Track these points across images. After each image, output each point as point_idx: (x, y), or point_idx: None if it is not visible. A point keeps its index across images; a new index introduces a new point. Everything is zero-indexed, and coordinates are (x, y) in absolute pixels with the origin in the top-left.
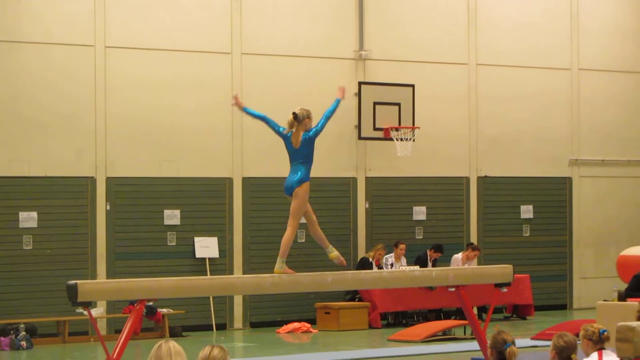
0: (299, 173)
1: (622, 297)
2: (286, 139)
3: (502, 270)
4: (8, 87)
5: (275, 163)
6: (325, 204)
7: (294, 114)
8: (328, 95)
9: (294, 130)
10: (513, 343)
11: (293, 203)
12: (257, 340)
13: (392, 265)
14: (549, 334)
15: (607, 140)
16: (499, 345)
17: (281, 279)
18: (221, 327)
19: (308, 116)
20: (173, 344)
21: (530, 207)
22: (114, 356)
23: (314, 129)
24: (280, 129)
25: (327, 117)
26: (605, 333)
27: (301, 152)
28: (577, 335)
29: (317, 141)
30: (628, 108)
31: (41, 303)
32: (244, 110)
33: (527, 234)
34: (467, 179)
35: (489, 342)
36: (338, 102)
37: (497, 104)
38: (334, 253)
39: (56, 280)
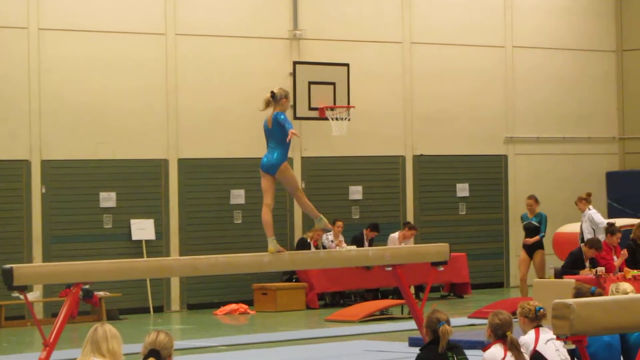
0: (275, 154)
1: (559, 274)
2: (265, 124)
3: (438, 249)
4: None
5: (211, 144)
6: (259, 184)
7: (272, 92)
8: (263, 75)
9: (270, 108)
10: (447, 322)
11: (287, 185)
12: (194, 322)
13: (332, 241)
14: (485, 312)
15: (542, 118)
16: (433, 324)
17: (217, 260)
18: (158, 309)
19: (286, 96)
20: (109, 327)
21: (466, 185)
22: (51, 340)
23: (280, 116)
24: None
25: (285, 123)
26: (542, 310)
27: (274, 133)
28: (514, 313)
29: (252, 120)
30: (563, 85)
31: None
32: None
33: (463, 213)
34: (403, 157)
35: (424, 321)
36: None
37: (431, 82)
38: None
39: None
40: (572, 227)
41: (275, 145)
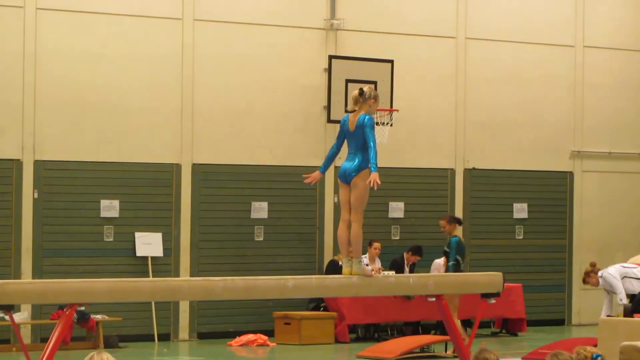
0: (356, 160)
1: (629, 312)
2: (344, 123)
3: (490, 279)
4: None
5: (231, 148)
6: (286, 196)
7: (360, 89)
8: (294, 70)
9: (356, 109)
10: None
11: (352, 195)
12: (205, 353)
13: (367, 265)
14: (542, 353)
15: (615, 130)
16: None
17: (234, 283)
18: (164, 337)
19: (375, 97)
20: (107, 356)
21: (525, 205)
22: None
23: (368, 124)
24: (343, 122)
25: (373, 149)
26: (599, 358)
27: (356, 137)
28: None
29: (279, 122)
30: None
31: None
32: (321, 172)
33: (521, 237)
34: (452, 171)
35: None
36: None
37: (488, 85)
38: (349, 269)
39: None
40: None
41: (355, 151)
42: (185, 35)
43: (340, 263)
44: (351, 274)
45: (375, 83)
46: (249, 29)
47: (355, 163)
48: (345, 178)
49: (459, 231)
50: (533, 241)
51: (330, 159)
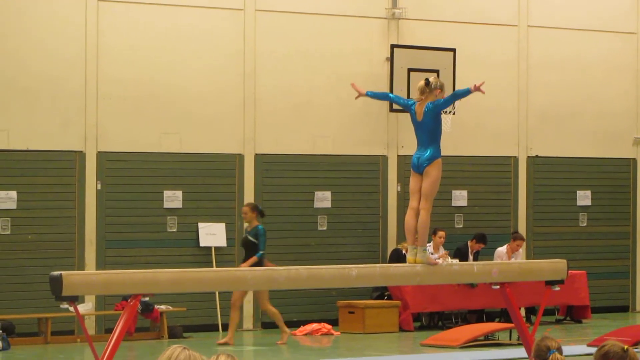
0: (429, 150)
1: None
2: (411, 110)
3: (554, 266)
4: None
5: (293, 137)
6: (350, 185)
7: (426, 80)
8: (356, 60)
9: (422, 98)
10: (559, 350)
11: (424, 183)
12: (269, 343)
13: (431, 253)
14: (607, 340)
15: None
16: (542, 353)
17: (298, 272)
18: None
19: (441, 87)
20: (194, 356)
21: (588, 192)
22: (104, 359)
23: (438, 101)
24: (409, 102)
25: (455, 95)
26: None
27: (425, 125)
28: (637, 343)
29: (342, 112)
30: None
31: (20, 297)
32: (367, 94)
33: (584, 224)
34: (516, 158)
35: (532, 350)
36: (468, 90)
37: (550, 72)
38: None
39: (38, 270)
40: None
41: (427, 141)
42: (246, 25)
43: (403, 252)
44: (415, 262)
45: (437, 72)
46: (310, 19)
47: (428, 153)
48: (417, 168)
49: (259, 221)
50: (597, 228)
51: (381, 95)
